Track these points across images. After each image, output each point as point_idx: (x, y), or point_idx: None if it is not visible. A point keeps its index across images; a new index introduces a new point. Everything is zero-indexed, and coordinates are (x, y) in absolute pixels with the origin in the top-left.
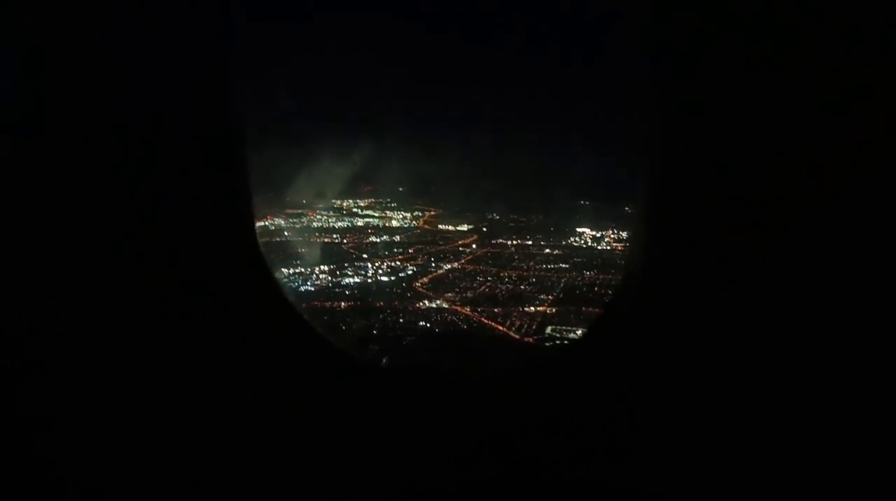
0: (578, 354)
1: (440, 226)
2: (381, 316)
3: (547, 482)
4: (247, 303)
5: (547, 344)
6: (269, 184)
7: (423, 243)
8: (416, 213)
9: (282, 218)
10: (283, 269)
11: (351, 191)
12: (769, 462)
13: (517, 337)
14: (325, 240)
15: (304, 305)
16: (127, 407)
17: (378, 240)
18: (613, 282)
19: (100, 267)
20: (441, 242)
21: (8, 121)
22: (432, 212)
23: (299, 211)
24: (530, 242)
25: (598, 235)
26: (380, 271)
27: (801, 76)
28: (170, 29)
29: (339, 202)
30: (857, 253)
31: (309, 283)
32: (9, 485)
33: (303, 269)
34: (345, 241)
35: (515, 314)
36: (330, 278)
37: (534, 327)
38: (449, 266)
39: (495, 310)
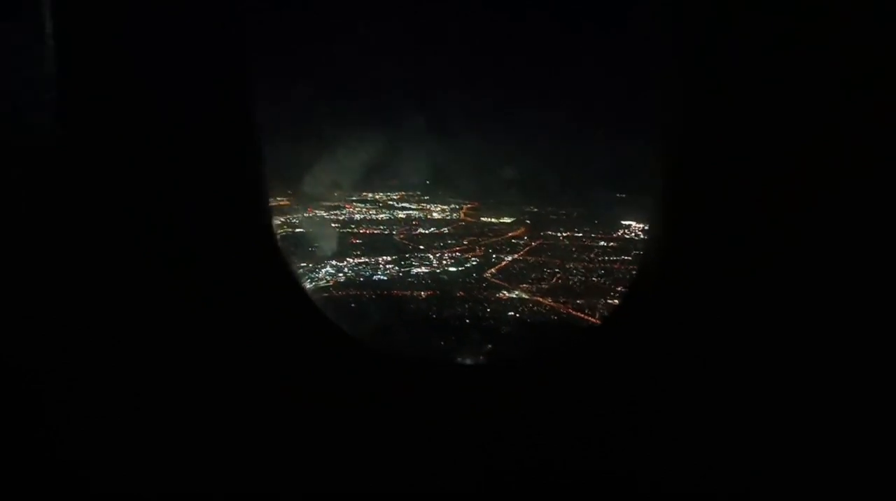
0: (596, 343)
1: (483, 219)
2: (466, 305)
3: (563, 473)
4: (263, 295)
5: None
6: (299, 177)
7: (474, 235)
8: (453, 205)
9: (321, 210)
10: (348, 259)
11: (381, 184)
12: (790, 451)
13: None
14: (375, 231)
15: (384, 293)
16: (141, 399)
17: (426, 232)
18: None
19: (114, 261)
20: (491, 234)
21: (25, 114)
22: (469, 205)
23: (336, 203)
24: (580, 234)
25: (647, 228)
26: (444, 262)
27: (826, 52)
28: (181, 17)
29: (372, 195)
30: (891, 236)
31: (379, 273)
32: (34, 479)
33: (366, 259)
34: (394, 233)
35: (601, 306)
36: (397, 268)
37: None
38: (510, 257)
39: (578, 302)
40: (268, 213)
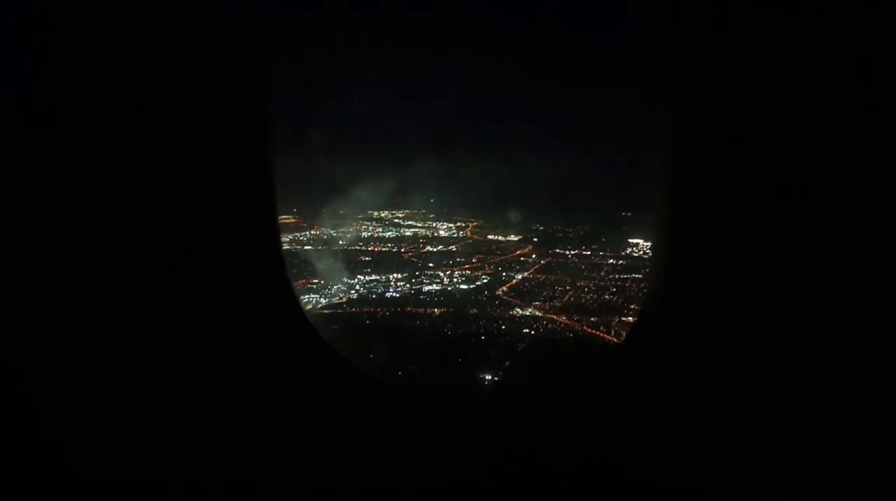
0: (614, 364)
1: (489, 237)
2: (480, 322)
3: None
4: (264, 314)
5: None
6: (303, 196)
7: (482, 253)
8: (459, 224)
9: (328, 228)
10: (359, 276)
11: (385, 202)
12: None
13: None
14: (383, 249)
15: (398, 310)
16: (135, 406)
17: (434, 250)
18: None
19: (117, 266)
20: (499, 252)
21: (33, 118)
22: (475, 223)
23: (341, 221)
24: (588, 253)
25: (654, 232)
26: (455, 279)
27: (824, 48)
28: (198, 29)
29: (377, 213)
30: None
31: (391, 290)
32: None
33: (377, 277)
34: (403, 250)
35: (616, 324)
36: (409, 286)
37: None
38: (520, 275)
39: (592, 319)
40: (275, 228)
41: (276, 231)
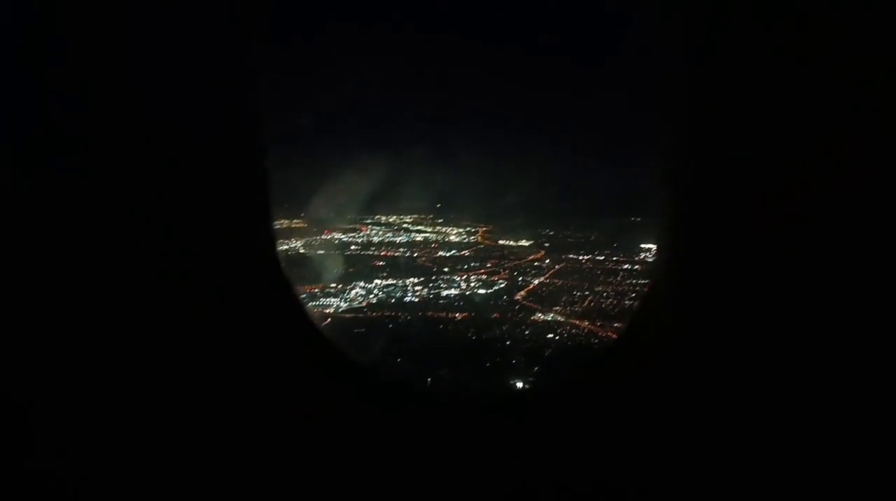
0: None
1: (500, 242)
2: (503, 327)
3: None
4: (265, 313)
5: None
6: (313, 201)
7: (496, 258)
8: (468, 229)
9: (338, 233)
10: (376, 281)
11: (393, 207)
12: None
13: None
14: (395, 253)
15: (419, 314)
16: (132, 406)
17: (447, 255)
18: None
19: (111, 270)
20: (512, 257)
21: (31, 118)
22: (485, 228)
23: (351, 226)
24: (602, 257)
25: (658, 239)
26: (472, 284)
27: (823, 64)
28: (195, 29)
29: (385, 218)
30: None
31: (410, 294)
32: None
33: (394, 281)
34: (416, 255)
35: None
36: (426, 290)
37: None
38: (537, 280)
39: (615, 325)
40: (271, 230)
41: (270, 230)
